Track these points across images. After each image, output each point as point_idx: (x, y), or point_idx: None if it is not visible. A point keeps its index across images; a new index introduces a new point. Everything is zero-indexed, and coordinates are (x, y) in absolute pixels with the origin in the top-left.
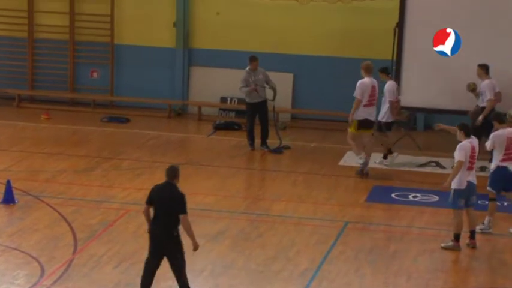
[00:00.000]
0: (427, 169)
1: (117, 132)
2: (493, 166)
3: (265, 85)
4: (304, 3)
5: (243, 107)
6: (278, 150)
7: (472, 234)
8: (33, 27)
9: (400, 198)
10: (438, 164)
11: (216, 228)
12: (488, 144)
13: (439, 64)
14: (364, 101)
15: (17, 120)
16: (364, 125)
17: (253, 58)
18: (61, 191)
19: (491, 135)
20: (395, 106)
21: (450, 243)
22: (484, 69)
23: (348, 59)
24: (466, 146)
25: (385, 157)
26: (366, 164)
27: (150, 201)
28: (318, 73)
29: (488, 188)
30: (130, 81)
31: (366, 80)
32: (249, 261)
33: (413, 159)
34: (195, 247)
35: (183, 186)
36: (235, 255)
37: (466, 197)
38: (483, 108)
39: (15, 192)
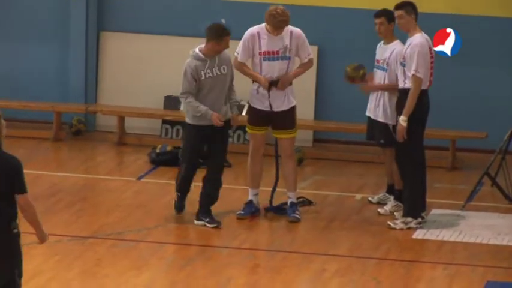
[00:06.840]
0: None
1: None
2: None
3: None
4: None
5: None
6: (281, 209)
7: None
8: None
9: None
10: None
11: None
12: None
13: None
14: None
15: None
16: None
17: (215, 29)
18: None
19: None
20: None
21: None
22: None
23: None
24: None
25: (397, 198)
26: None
27: None
28: (369, 47)
29: None
30: None
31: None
32: None
33: None
34: (42, 239)
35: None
36: None
37: None
38: None
39: None
